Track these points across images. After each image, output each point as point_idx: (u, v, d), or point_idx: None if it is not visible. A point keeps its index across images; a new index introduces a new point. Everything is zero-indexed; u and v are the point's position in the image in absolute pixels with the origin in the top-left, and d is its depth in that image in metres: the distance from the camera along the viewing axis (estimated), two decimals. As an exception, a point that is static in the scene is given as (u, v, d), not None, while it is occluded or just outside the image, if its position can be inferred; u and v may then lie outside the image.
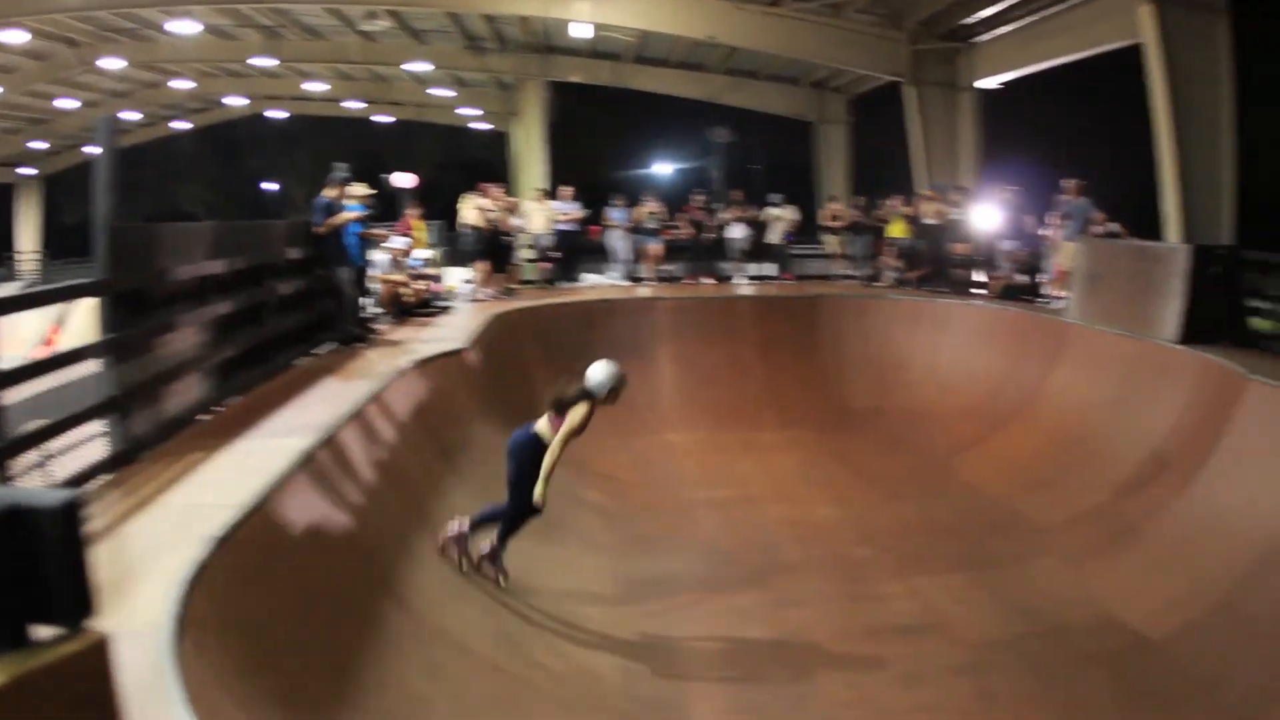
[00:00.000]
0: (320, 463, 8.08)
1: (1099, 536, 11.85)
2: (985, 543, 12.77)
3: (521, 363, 16.97)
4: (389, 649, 7.11)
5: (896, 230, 24.04)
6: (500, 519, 9.85)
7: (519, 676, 8.08)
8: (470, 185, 21.78)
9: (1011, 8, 26.14)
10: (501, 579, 9.78)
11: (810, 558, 12.17)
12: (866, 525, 13.50)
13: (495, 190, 21.16)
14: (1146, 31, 19.82)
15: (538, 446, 9.78)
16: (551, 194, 24.55)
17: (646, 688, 8.63)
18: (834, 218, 25.95)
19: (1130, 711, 8.77)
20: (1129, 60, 21.76)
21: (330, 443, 8.51)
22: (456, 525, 9.71)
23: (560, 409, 9.90)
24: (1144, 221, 20.95)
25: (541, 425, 9.93)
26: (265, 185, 64.11)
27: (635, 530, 12.86)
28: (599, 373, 10.13)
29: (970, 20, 28.13)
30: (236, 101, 46.53)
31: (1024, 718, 8.68)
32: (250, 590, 6.18)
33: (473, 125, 48.70)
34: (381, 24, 30.98)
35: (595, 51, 35.38)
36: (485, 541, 9.81)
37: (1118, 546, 12.03)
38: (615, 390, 10.22)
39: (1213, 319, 15.23)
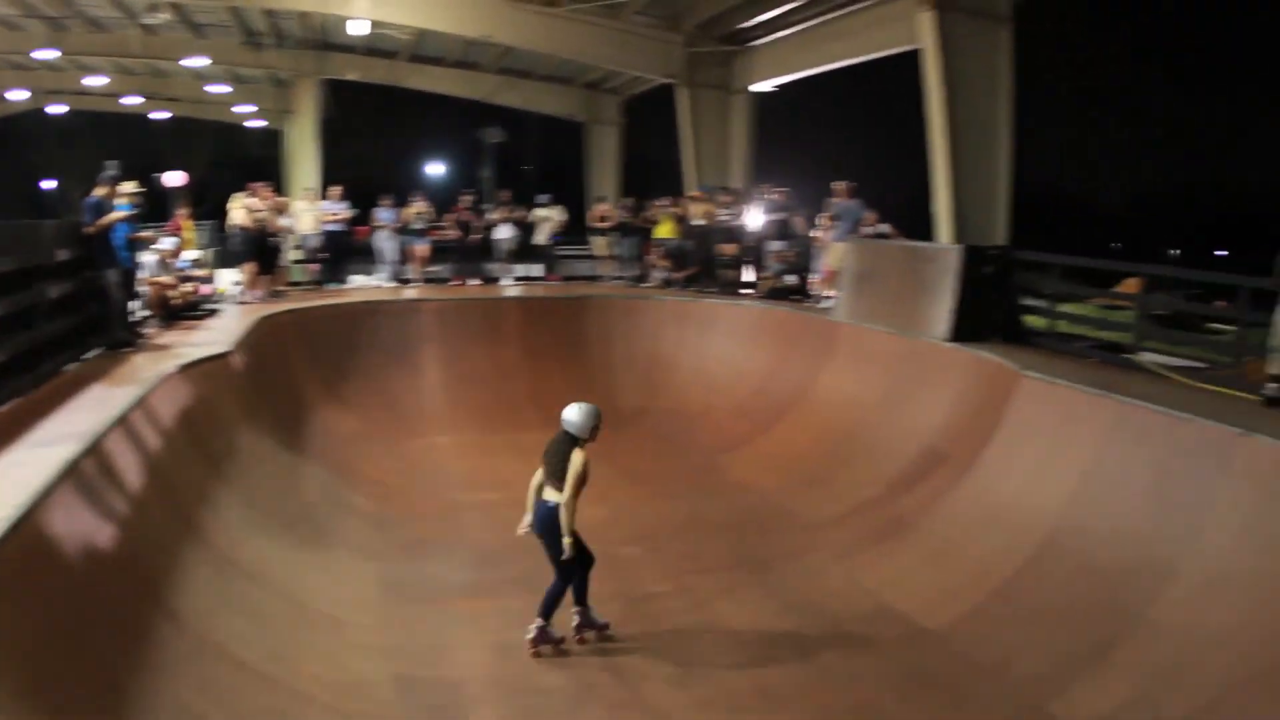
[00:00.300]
0: (85, 473, 7.71)
1: (873, 531, 11.99)
2: (757, 540, 12.85)
3: (288, 366, 16.55)
4: (161, 665, 6.81)
5: (664, 231, 24.03)
6: (561, 593, 9.80)
7: (293, 689, 7.82)
8: (245, 184, 21.29)
9: (790, 13, 26.29)
10: (608, 629, 10.03)
11: None
12: (636, 525, 13.44)
13: (263, 190, 20.66)
14: (926, 38, 20.05)
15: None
16: (323, 194, 24.11)
17: (422, 695, 8.47)
18: (601, 218, 25.96)
19: (911, 700, 8.89)
20: (904, 65, 22.09)
21: (95, 452, 8.13)
22: (533, 629, 9.67)
23: (554, 470, 9.81)
24: (916, 223, 21.30)
25: (552, 494, 9.81)
26: (44, 183, 61.67)
27: (404, 535, 12.62)
28: (576, 415, 9.96)
29: (748, 24, 28.27)
30: (17, 95, 44.94)
31: (802, 711, 8.71)
32: (16, 608, 5.85)
33: (249, 123, 47.70)
34: (163, 16, 30.03)
35: (371, 49, 34.66)
36: (573, 615, 9.90)
37: (892, 540, 12.23)
38: (596, 428, 10.05)
39: (985, 317, 15.62)
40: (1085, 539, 10.73)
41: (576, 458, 9.68)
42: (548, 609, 9.72)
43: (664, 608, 10.75)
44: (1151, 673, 8.54)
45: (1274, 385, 11.82)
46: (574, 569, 9.76)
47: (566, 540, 9.47)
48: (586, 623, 9.95)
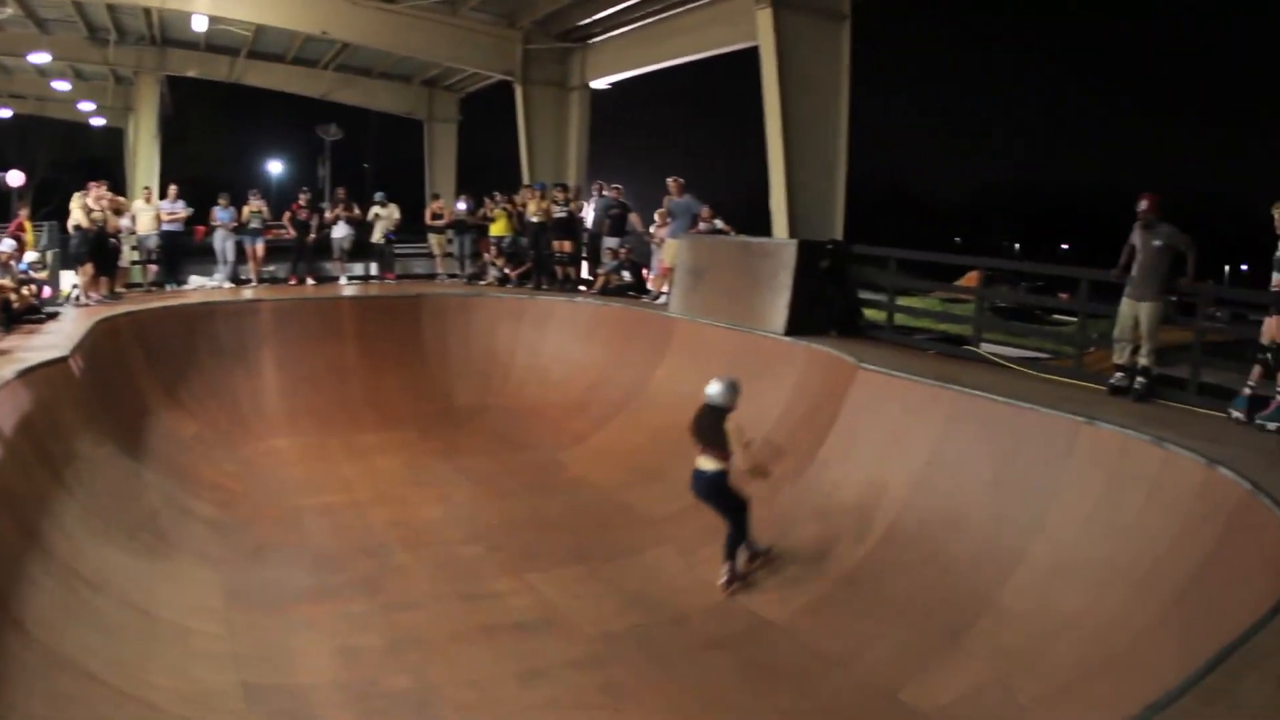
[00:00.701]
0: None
1: (713, 525, 11.94)
2: (597, 536, 12.97)
3: (127, 370, 16.15)
4: (8, 678, 6.73)
5: (500, 228, 24.19)
6: (741, 537, 11.27)
7: (143, 699, 7.68)
8: (84, 185, 20.88)
9: (628, 9, 26.39)
10: (770, 551, 11.60)
11: (420, 559, 12.09)
12: (474, 524, 13.53)
13: (100, 189, 20.30)
14: (763, 35, 20.08)
15: (720, 479, 11.08)
16: (162, 192, 23.75)
17: (271, 702, 8.36)
18: (434, 216, 25.96)
19: (760, 692, 9.05)
20: (742, 61, 22.29)
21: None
22: (725, 573, 11.21)
23: (711, 440, 11.02)
24: (754, 219, 21.52)
25: (707, 463, 11.08)
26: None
27: (247, 541, 12.43)
28: (719, 390, 11.12)
29: (585, 21, 28.33)
30: None
31: (650, 706, 8.81)
32: None
33: (92, 121, 46.75)
34: (7, 11, 29.30)
35: (211, 46, 33.99)
36: (741, 556, 11.36)
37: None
38: (738, 396, 11.16)
39: (822, 311, 16.01)
40: (930, 528, 11.10)
41: (730, 425, 10.86)
42: (731, 552, 11.23)
43: (507, 606, 10.76)
44: (1003, 657, 8.82)
45: (1119, 375, 12.46)
46: (744, 515, 11.19)
47: (740, 459, 10.88)
48: (754, 556, 11.46)
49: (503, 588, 11.27)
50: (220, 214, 22.47)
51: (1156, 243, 12.17)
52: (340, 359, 19.41)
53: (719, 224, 20.09)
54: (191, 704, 8.08)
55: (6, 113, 47.04)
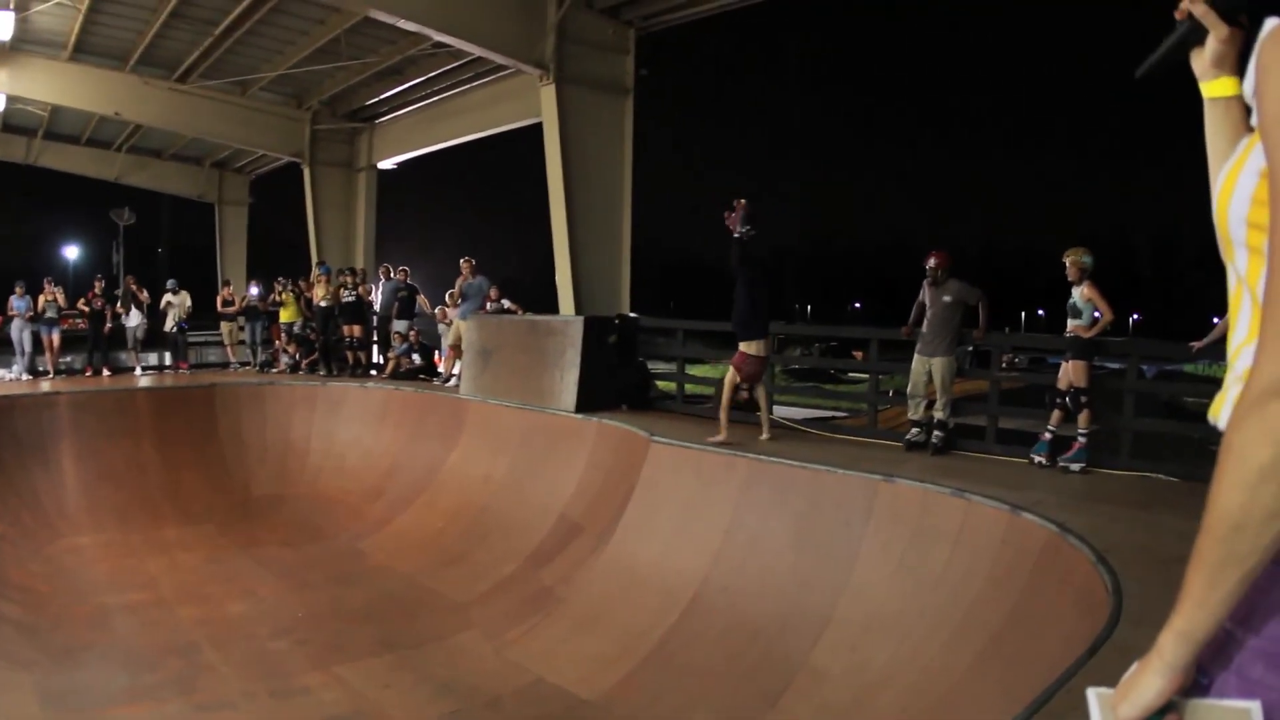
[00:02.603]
0: None
1: (518, 606, 12.35)
2: (404, 624, 13.00)
3: None
4: None
5: (289, 314, 24.26)
6: None
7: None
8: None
9: (413, 89, 26.79)
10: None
11: (229, 657, 11.94)
12: (280, 618, 13.43)
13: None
14: (547, 111, 20.56)
15: None
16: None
17: None
18: (225, 303, 25.83)
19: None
20: (528, 138, 22.70)
21: None
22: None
23: None
24: (542, 297, 21.88)
25: None
26: None
27: (57, 643, 12.25)
28: None
29: (372, 101, 28.63)
30: None
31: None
32: None
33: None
34: None
35: (9, 126, 33.42)
36: None
37: (538, 614, 12.65)
38: None
39: (612, 386, 16.44)
40: (734, 596, 11.36)
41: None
42: None
43: (319, 700, 10.75)
44: (824, 716, 9.08)
45: (915, 430, 13.03)
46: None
47: None
48: None
49: (312, 682, 11.20)
50: (17, 303, 22.13)
51: (946, 298, 12.81)
52: (137, 452, 19.16)
53: (506, 303, 20.56)
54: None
55: None
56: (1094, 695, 1.98)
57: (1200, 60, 2.35)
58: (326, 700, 10.78)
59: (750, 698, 9.79)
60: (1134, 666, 1.95)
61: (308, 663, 11.79)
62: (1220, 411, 2.01)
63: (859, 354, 22.59)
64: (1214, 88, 2.35)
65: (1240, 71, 2.26)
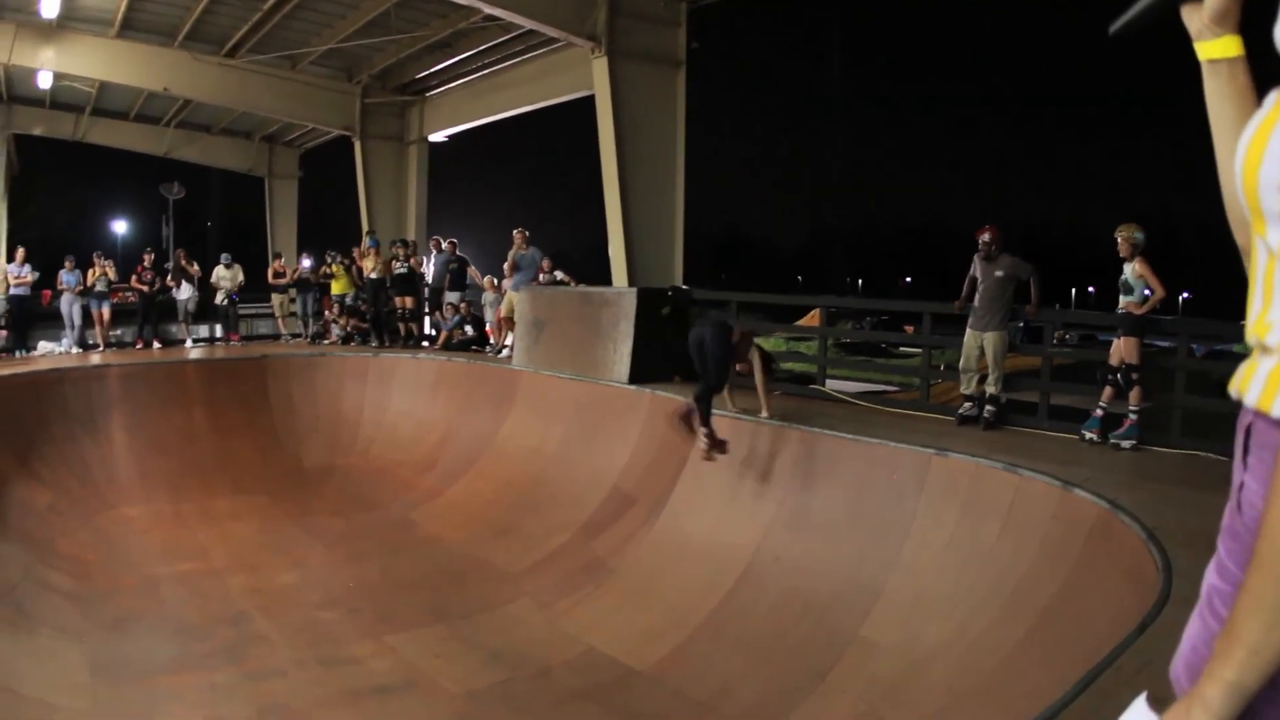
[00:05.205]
0: None
1: (570, 576, 12.24)
2: (454, 593, 12.93)
3: None
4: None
5: (340, 286, 24.36)
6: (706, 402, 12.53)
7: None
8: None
9: (463, 62, 26.64)
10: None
11: (279, 626, 11.93)
12: (331, 587, 13.42)
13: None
14: (599, 84, 20.42)
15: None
16: (8, 255, 23.39)
17: None
18: (276, 275, 25.81)
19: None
20: (580, 111, 22.55)
21: None
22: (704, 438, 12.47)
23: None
24: (594, 269, 21.73)
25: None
26: None
27: (107, 613, 12.19)
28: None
29: (423, 74, 28.53)
30: None
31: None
32: None
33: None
34: None
35: (56, 103, 33.39)
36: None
37: (590, 585, 12.57)
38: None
39: (665, 358, 16.13)
40: (785, 569, 11.26)
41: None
42: (705, 416, 12.50)
43: (369, 670, 10.73)
44: (873, 690, 8.96)
45: (967, 405, 12.82)
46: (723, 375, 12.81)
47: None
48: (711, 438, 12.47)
49: (363, 651, 11.19)
50: (66, 277, 22.14)
51: (998, 273, 12.62)
52: (189, 423, 19.13)
53: (559, 275, 20.39)
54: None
55: None
56: None
57: (1195, 17, 2.10)
58: (377, 669, 10.77)
59: (800, 671, 9.70)
60: (1170, 714, 1.75)
61: (358, 632, 11.78)
62: (1248, 385, 1.80)
63: (910, 328, 22.25)
64: (1213, 48, 2.09)
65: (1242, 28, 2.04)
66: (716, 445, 12.18)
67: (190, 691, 10.11)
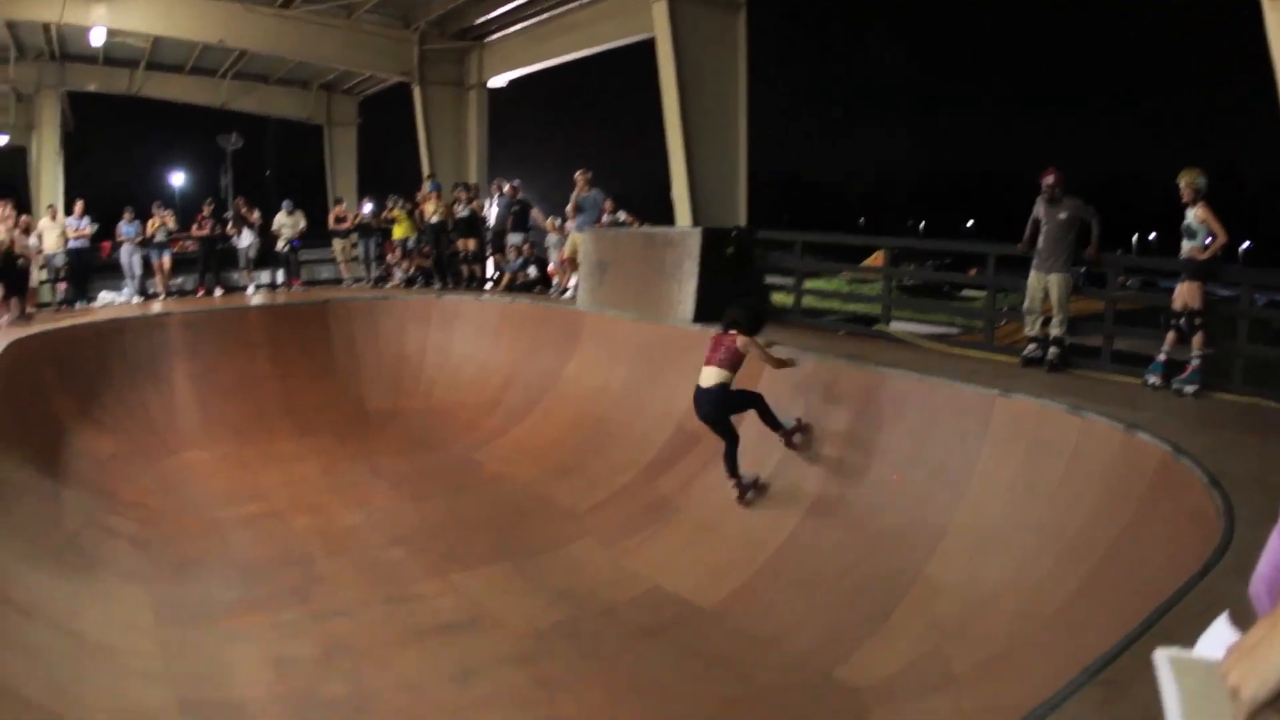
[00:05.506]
0: None
1: (634, 515, 12.15)
2: (519, 533, 12.92)
3: (40, 391, 16.02)
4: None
5: (402, 230, 24.28)
6: (729, 458, 12.03)
7: (77, 722, 7.65)
8: (-7, 207, 20.46)
9: (521, 7, 26.37)
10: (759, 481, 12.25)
11: (344, 566, 12.04)
12: (396, 527, 13.46)
13: (5, 209, 19.96)
14: (660, 27, 20.06)
15: (724, 391, 12.02)
16: (67, 209, 23.44)
17: (208, 717, 8.26)
18: (338, 220, 25.86)
19: (696, 678, 9.12)
20: (639, 54, 22.29)
21: None
22: (734, 486, 12.10)
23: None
24: (656, 211, 21.56)
25: (711, 376, 12.03)
26: None
27: (170, 556, 12.25)
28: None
29: (481, 20, 28.23)
30: None
31: (585, 698, 8.86)
32: None
33: (-7, 141, 45.69)
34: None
35: (110, 59, 33.16)
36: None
37: (655, 523, 12.49)
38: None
39: (729, 297, 15.91)
40: (851, 506, 11.24)
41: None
42: (732, 468, 12.03)
43: (435, 608, 10.75)
44: (936, 630, 8.89)
45: (1032, 346, 12.69)
46: (762, 405, 12.18)
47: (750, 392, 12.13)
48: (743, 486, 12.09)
49: (429, 590, 11.22)
50: (125, 228, 22.19)
51: (1061, 215, 12.43)
52: (251, 368, 19.20)
53: (622, 216, 20.22)
54: (127, 723, 7.98)
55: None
56: (1166, 661, 1.56)
57: None
58: (442, 608, 10.79)
59: (863, 610, 9.65)
60: (1256, 629, 1.55)
61: (424, 571, 11.81)
62: None
63: (973, 271, 21.99)
64: None
65: None
66: (744, 491, 12.02)
67: (255, 632, 10.12)
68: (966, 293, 25.06)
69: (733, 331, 11.86)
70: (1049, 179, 12.60)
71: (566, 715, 8.61)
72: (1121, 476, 8.94)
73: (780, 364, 12.19)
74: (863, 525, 10.85)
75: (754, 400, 12.04)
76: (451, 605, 10.85)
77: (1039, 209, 12.79)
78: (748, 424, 12.50)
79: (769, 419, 11.94)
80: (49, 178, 33.60)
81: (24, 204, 22.63)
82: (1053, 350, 12.55)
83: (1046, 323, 12.68)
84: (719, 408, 11.61)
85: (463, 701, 8.78)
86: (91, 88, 34.71)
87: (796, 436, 12.02)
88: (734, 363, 11.60)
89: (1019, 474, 9.97)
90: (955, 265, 25.39)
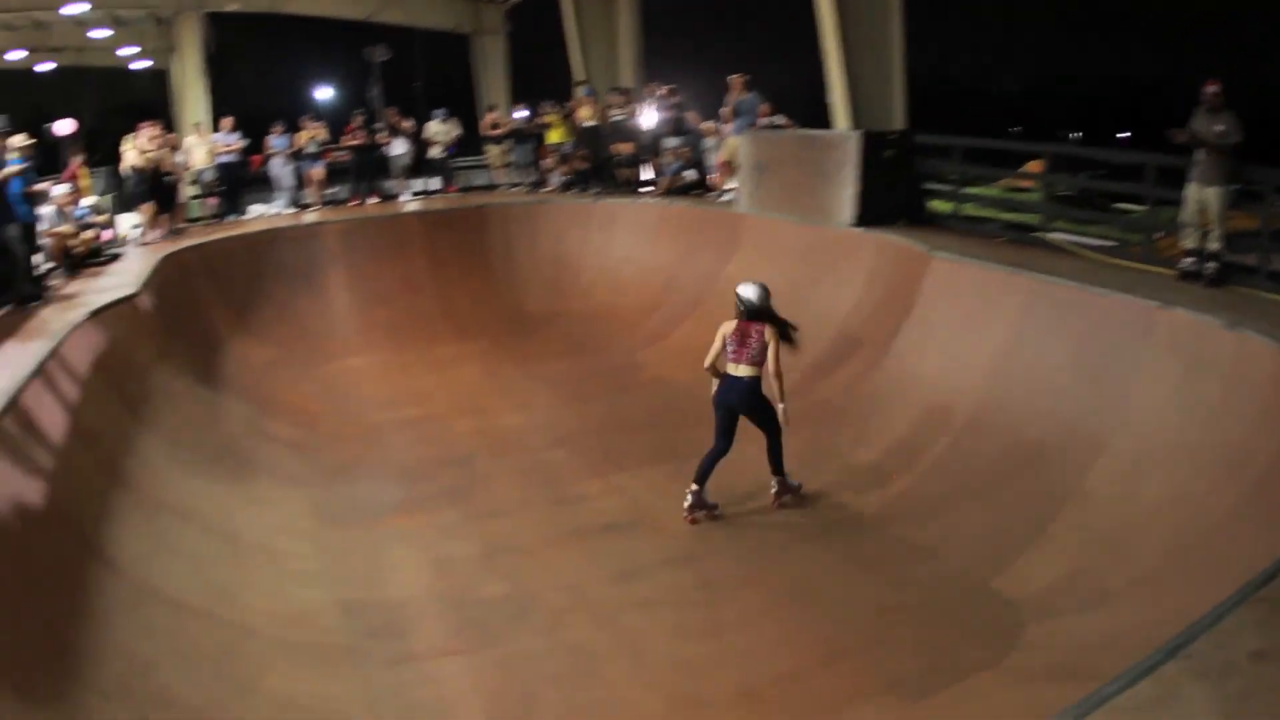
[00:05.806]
0: (7, 431, 7.57)
1: (795, 418, 11.86)
2: (679, 434, 12.67)
3: (196, 303, 16.15)
4: (104, 614, 6.70)
5: (556, 135, 24.04)
6: (779, 447, 10.85)
7: (239, 624, 7.68)
8: (135, 126, 20.68)
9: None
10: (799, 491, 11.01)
11: (505, 467, 12.11)
12: (556, 429, 13.53)
13: (153, 129, 20.14)
14: None
15: (757, 385, 10.72)
16: (214, 127, 23.57)
17: (366, 618, 8.34)
18: (493, 126, 25.61)
19: (854, 584, 8.96)
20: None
21: (14, 409, 7.95)
22: (775, 484, 10.89)
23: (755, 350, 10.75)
24: (811, 114, 21.15)
25: (744, 369, 10.76)
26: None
27: (330, 460, 12.47)
28: (756, 292, 10.95)
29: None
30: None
31: (744, 600, 8.78)
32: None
33: (133, 66, 46.25)
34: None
35: None
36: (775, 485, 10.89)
37: (815, 426, 12.19)
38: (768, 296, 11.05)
39: (889, 202, 15.73)
40: (1010, 416, 10.96)
41: (770, 331, 10.74)
42: (777, 465, 10.87)
43: (596, 508, 10.79)
44: (1092, 544, 8.68)
45: (1189, 260, 12.18)
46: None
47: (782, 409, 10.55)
48: (783, 490, 10.91)
49: (590, 490, 11.26)
50: (276, 141, 22.37)
51: (1220, 127, 11.89)
52: (410, 273, 19.30)
53: (778, 120, 19.85)
54: (286, 624, 8.09)
55: (49, 66, 46.81)
56: None
57: None
58: (603, 508, 10.84)
59: (1021, 521, 9.46)
60: None
61: (585, 472, 11.86)
62: None
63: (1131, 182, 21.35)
64: None
65: None
66: (784, 491, 11.08)
67: (416, 532, 10.25)
68: (1121, 205, 24.45)
69: (761, 323, 10.97)
70: (1211, 89, 12.08)
71: (725, 617, 8.55)
72: (1277, 397, 8.61)
73: (780, 376, 10.82)
74: (1022, 435, 10.63)
75: (773, 427, 10.91)
76: (613, 506, 10.88)
77: (1198, 120, 12.21)
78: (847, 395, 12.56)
79: (776, 457, 11.04)
80: (192, 98, 33.81)
81: (167, 125, 22.69)
82: (1210, 264, 12.07)
83: (1205, 236, 12.19)
84: (757, 395, 10.82)
85: (623, 601, 8.78)
86: (232, 7, 34.83)
87: (788, 497, 11.14)
88: (763, 358, 10.86)
89: (1177, 390, 9.67)
90: (1109, 177, 24.68)
